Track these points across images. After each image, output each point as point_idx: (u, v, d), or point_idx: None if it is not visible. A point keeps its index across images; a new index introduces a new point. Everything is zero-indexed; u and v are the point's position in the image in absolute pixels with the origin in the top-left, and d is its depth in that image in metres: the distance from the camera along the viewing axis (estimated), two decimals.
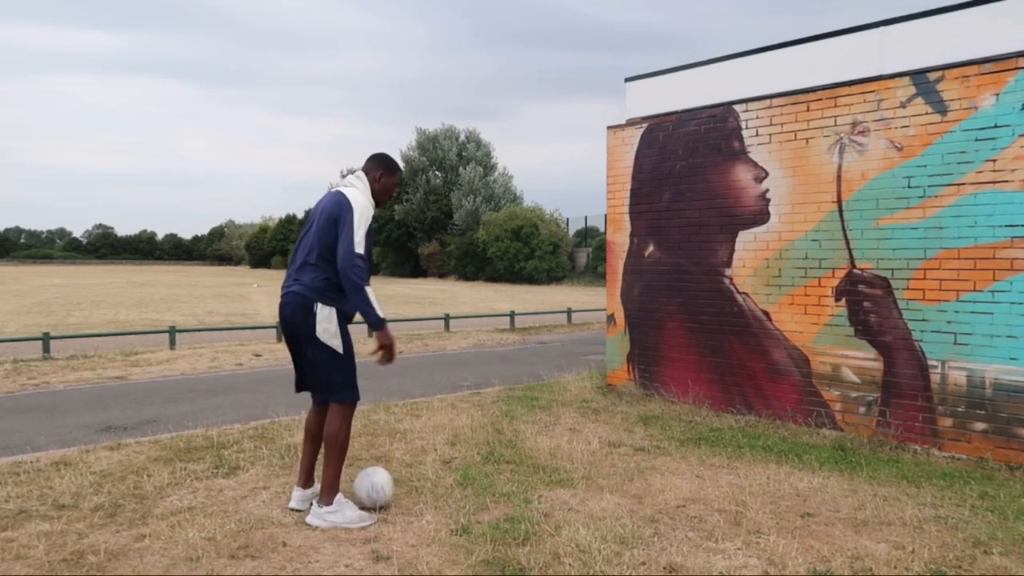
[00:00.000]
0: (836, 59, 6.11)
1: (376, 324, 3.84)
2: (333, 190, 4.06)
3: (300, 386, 4.16)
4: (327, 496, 3.89)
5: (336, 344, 3.90)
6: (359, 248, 3.79)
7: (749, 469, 4.92)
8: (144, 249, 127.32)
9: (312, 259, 3.89)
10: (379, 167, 4.12)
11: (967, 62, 5.27)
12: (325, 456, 3.96)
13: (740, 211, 6.66)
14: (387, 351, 3.90)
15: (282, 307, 3.98)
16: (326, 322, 3.86)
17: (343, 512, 3.87)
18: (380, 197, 4.14)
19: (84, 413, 7.12)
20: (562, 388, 7.92)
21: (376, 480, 4.11)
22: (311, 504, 4.00)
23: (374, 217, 4.00)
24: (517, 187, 49.56)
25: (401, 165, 4.34)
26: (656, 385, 7.39)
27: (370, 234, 3.93)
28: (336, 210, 3.87)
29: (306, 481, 4.16)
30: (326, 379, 3.95)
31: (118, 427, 6.48)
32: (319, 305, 3.84)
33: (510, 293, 30.35)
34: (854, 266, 5.87)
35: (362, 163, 4.19)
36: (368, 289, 3.80)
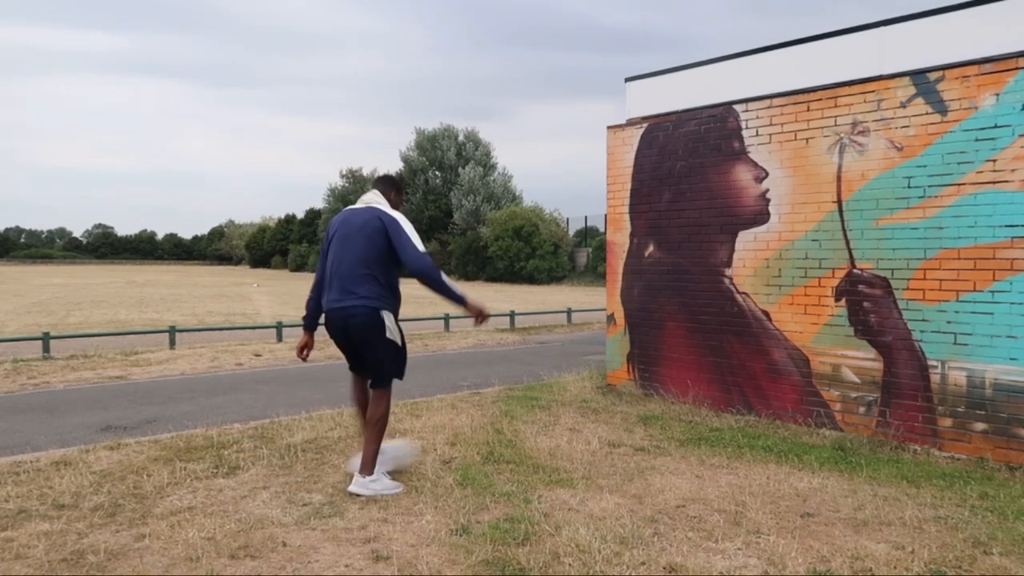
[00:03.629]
0: (836, 59, 6.11)
1: (460, 301, 4.44)
2: (362, 207, 4.55)
3: (356, 368, 4.72)
4: (369, 468, 4.41)
5: (397, 339, 4.49)
6: (423, 248, 4.42)
7: (749, 469, 4.92)
8: (144, 249, 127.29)
9: (365, 272, 4.37)
10: (392, 188, 4.74)
11: (967, 62, 5.27)
12: (367, 435, 4.45)
13: (740, 211, 6.66)
14: (481, 316, 4.48)
15: (346, 319, 4.39)
16: (391, 325, 4.44)
17: (382, 480, 4.43)
18: None
19: (84, 413, 7.12)
20: (562, 388, 7.92)
21: (393, 449, 4.77)
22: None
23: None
24: (517, 187, 49.59)
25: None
26: (656, 385, 7.39)
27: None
28: (379, 225, 4.40)
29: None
30: (386, 368, 4.53)
31: (118, 427, 6.48)
32: (385, 312, 4.39)
33: (510, 293, 30.35)
34: (854, 266, 5.88)
35: (373, 181, 4.81)
36: (444, 277, 4.39)
